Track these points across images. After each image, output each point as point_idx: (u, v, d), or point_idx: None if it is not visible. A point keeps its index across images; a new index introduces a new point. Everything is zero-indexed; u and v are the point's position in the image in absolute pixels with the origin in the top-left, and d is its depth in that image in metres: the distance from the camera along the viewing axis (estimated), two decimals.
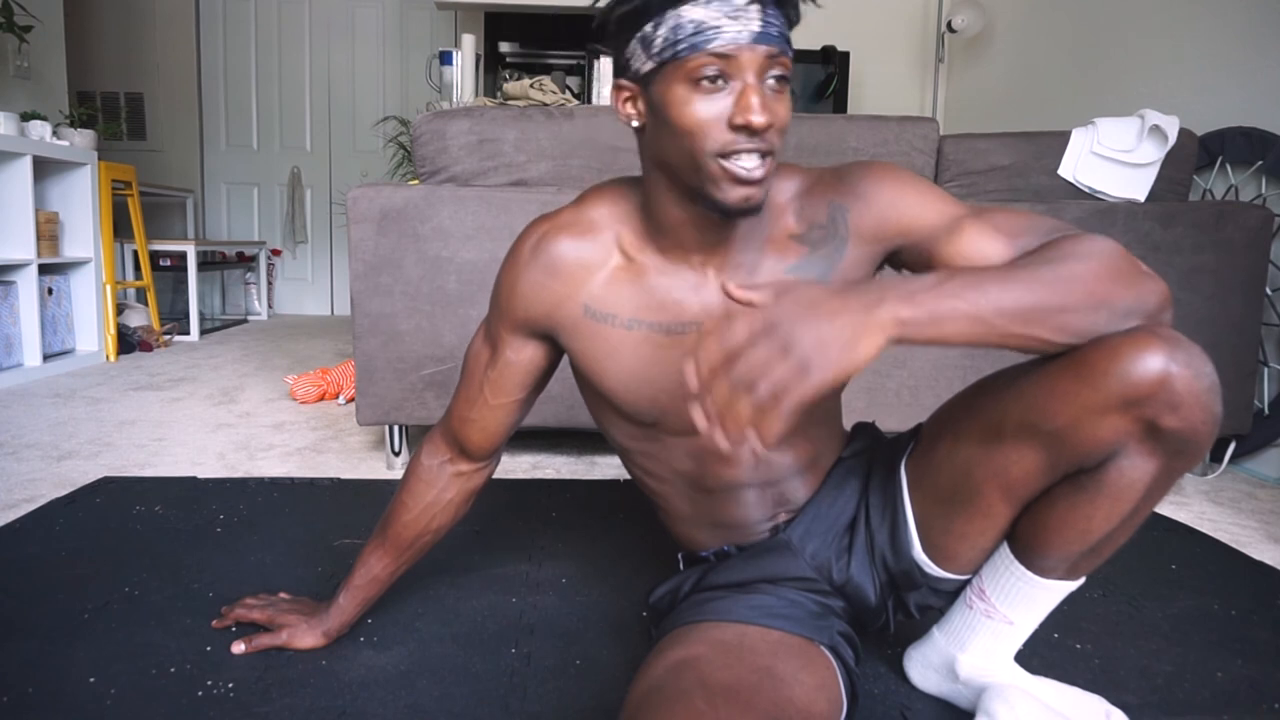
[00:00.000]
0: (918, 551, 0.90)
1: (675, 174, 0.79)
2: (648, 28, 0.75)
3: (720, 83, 0.73)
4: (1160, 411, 0.70)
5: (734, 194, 0.76)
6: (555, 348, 0.95)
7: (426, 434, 1.06)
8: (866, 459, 1.01)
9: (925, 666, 1.00)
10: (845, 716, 0.85)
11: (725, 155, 0.74)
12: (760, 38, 0.72)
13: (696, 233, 0.83)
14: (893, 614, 0.97)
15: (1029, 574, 0.87)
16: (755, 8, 0.72)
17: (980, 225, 0.82)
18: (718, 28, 0.72)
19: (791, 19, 0.77)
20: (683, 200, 0.81)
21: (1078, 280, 0.68)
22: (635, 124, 0.81)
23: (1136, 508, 0.79)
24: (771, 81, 0.74)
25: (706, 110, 0.73)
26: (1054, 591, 0.88)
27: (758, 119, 0.72)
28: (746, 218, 0.79)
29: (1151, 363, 0.69)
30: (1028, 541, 0.85)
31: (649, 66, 0.76)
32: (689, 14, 0.72)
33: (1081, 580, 0.88)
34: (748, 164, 0.74)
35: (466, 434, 1.01)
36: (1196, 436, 0.72)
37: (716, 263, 0.85)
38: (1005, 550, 0.88)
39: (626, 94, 0.80)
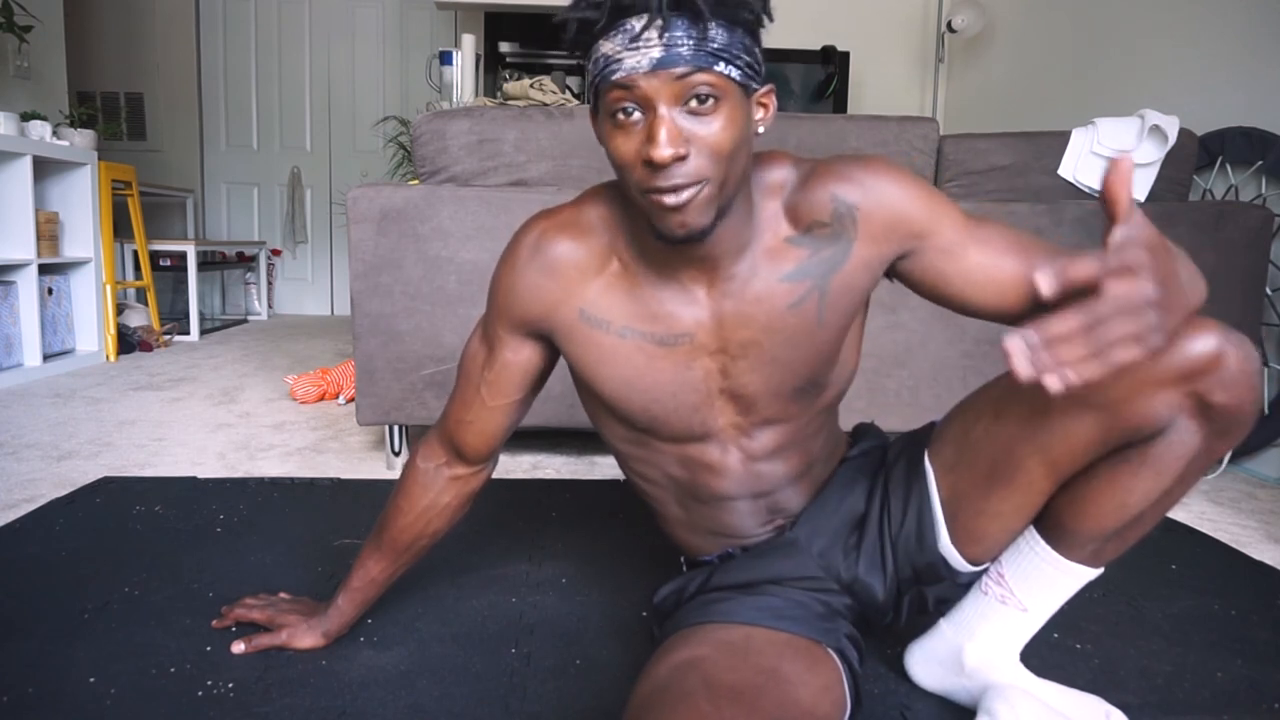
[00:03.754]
0: (944, 542, 0.90)
1: (634, 201, 0.78)
2: (586, 62, 0.75)
3: (636, 115, 0.71)
4: (1212, 388, 0.75)
5: (669, 223, 0.74)
6: (552, 348, 0.93)
7: (422, 437, 1.05)
8: (876, 457, 1.01)
9: (929, 660, 1.00)
10: (849, 718, 0.85)
11: (646, 190, 0.72)
12: (663, 63, 0.69)
13: (676, 252, 0.81)
14: (906, 609, 0.97)
15: (1054, 554, 0.88)
16: (654, 32, 0.69)
17: (987, 245, 0.83)
18: (619, 60, 0.70)
19: (714, 27, 0.70)
20: (651, 224, 0.79)
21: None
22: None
23: (1173, 485, 0.81)
24: (694, 103, 0.70)
25: (625, 145, 0.72)
26: (1074, 577, 0.88)
27: (658, 153, 0.69)
28: (696, 243, 0.77)
29: (1209, 342, 0.74)
30: (1060, 519, 0.86)
31: (591, 99, 0.77)
32: (602, 48, 0.72)
33: (1100, 570, 0.89)
34: (668, 195, 0.72)
35: (463, 437, 0.99)
36: (1242, 415, 0.76)
37: (706, 279, 0.83)
38: (1031, 532, 0.89)
39: (595, 120, 0.80)
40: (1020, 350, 0.56)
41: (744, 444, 0.92)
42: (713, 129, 0.71)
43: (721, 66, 0.70)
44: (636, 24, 0.69)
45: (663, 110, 0.70)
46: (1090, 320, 0.56)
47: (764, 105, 0.78)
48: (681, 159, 0.70)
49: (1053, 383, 0.57)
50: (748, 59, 0.72)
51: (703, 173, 0.71)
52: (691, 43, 0.69)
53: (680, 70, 0.69)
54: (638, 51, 0.69)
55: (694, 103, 0.70)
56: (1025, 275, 0.81)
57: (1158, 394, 0.77)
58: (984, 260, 0.82)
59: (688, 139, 0.70)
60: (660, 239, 0.77)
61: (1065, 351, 0.56)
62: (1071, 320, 0.56)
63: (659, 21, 0.68)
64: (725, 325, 0.84)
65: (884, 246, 0.83)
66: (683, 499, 0.98)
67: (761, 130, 0.77)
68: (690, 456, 0.93)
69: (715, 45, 0.70)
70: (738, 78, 0.72)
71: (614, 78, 0.70)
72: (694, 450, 0.92)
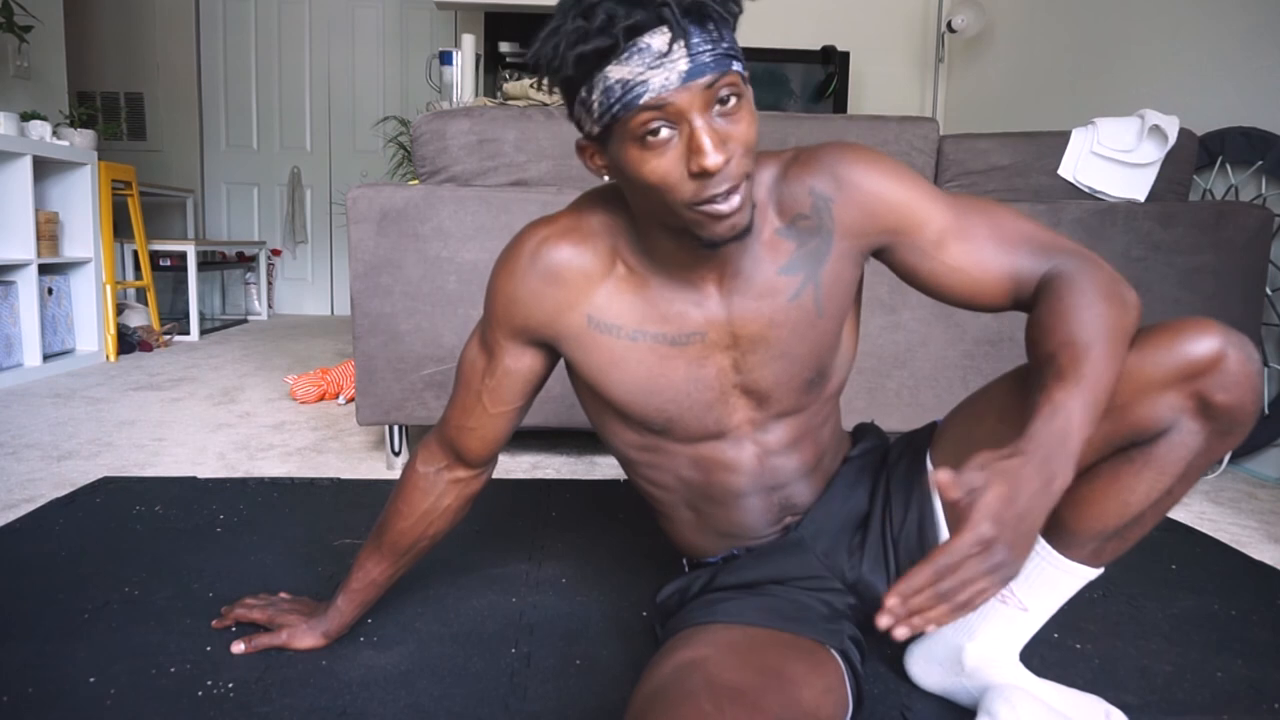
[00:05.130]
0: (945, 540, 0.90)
1: (659, 218, 0.77)
2: (582, 93, 0.72)
3: (666, 132, 0.69)
4: (1214, 389, 0.76)
5: (718, 229, 0.73)
6: (554, 354, 0.93)
7: (421, 441, 1.04)
8: (877, 456, 1.01)
9: (929, 660, 1.00)
10: (850, 719, 0.85)
11: (698, 203, 0.71)
12: (691, 74, 0.68)
13: (689, 255, 0.81)
14: None
15: (1054, 553, 0.88)
16: (677, 47, 0.67)
17: (968, 238, 0.83)
18: (644, 82, 0.68)
19: (723, 25, 0.71)
20: (670, 232, 0.79)
21: (1119, 327, 0.75)
22: (606, 177, 0.79)
23: (1175, 485, 0.82)
24: (719, 106, 0.70)
25: (662, 165, 0.70)
26: (1074, 576, 0.88)
27: (711, 161, 0.68)
28: (740, 241, 0.77)
29: (1210, 342, 0.76)
30: (1061, 518, 0.86)
31: (596, 130, 0.73)
32: (614, 74, 0.68)
33: (1101, 570, 0.89)
34: (721, 202, 0.71)
35: (464, 442, 0.98)
36: (1243, 415, 0.77)
37: (716, 275, 0.83)
38: None
39: (590, 150, 0.78)
40: (889, 616, 0.65)
41: (759, 438, 0.92)
42: (741, 126, 0.71)
43: (735, 65, 0.70)
44: (652, 41, 0.67)
45: (699, 120, 0.69)
46: (937, 572, 0.64)
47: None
48: (729, 160, 0.70)
49: (901, 633, 0.64)
50: (739, 51, 0.73)
51: (744, 170, 0.72)
52: (709, 48, 0.69)
53: (709, 79, 0.68)
54: (662, 69, 0.67)
55: (719, 105, 0.70)
56: (1008, 271, 0.82)
57: (1160, 396, 0.77)
58: (965, 258, 0.83)
59: (724, 141, 0.70)
60: (708, 247, 0.76)
61: (916, 602, 0.64)
62: (921, 576, 0.64)
63: (680, 35, 0.68)
64: (735, 320, 0.85)
65: (860, 240, 0.85)
66: (694, 501, 0.97)
67: None
68: (705, 456, 0.92)
69: (725, 45, 0.70)
70: (742, 72, 0.72)
71: (642, 100, 0.68)
72: (709, 449, 0.92)
